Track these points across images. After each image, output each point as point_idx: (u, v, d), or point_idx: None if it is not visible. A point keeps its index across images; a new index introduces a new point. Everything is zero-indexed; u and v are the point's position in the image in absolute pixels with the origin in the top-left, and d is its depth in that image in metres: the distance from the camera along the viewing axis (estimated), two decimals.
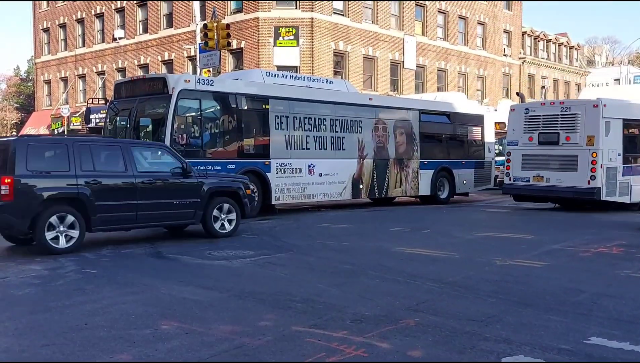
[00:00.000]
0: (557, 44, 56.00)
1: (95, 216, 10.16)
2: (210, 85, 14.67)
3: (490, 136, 22.64)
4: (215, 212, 11.70)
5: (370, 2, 35.34)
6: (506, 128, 20.34)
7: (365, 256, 9.63)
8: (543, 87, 52.38)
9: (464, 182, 21.07)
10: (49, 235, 9.66)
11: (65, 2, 44.00)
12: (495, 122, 25.96)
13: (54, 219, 9.70)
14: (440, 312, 6.07)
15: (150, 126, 14.70)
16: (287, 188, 15.90)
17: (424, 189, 19.67)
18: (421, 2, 38.34)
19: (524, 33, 50.21)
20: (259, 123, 15.78)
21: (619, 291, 6.97)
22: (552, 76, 54.14)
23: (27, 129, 46.15)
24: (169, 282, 7.73)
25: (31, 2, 47.75)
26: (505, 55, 46.70)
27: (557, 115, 16.69)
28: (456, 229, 13.08)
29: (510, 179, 17.78)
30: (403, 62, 37.34)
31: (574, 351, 4.90)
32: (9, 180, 9.36)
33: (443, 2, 40.04)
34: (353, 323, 5.70)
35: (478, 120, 22.10)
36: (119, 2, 39.60)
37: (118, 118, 15.32)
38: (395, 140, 18.96)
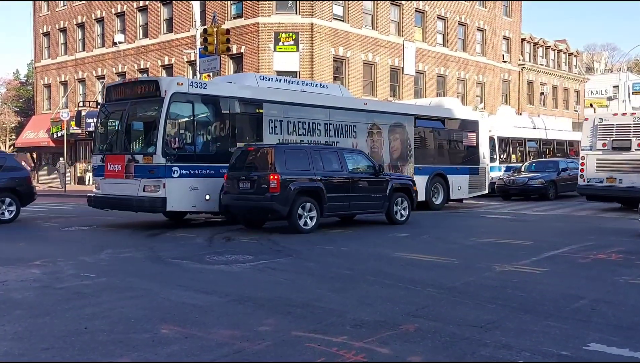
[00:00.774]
0: (556, 51, 56.15)
1: (326, 204, 13.61)
2: (204, 88, 14.43)
3: (485, 142, 22.64)
4: (395, 204, 15.07)
5: (370, 8, 35.43)
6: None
7: (365, 262, 9.64)
8: (542, 93, 52.51)
9: (459, 188, 20.92)
10: (299, 219, 13.11)
11: (66, 7, 44.06)
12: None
13: (303, 205, 13.21)
14: (439, 318, 6.06)
15: (143, 129, 14.76)
16: None
17: (419, 195, 18.98)
18: (421, 9, 38.43)
19: (523, 39, 50.35)
20: (253, 127, 15.62)
21: (618, 298, 6.98)
22: (551, 83, 54.26)
23: (27, 133, 46.21)
24: (168, 286, 7.73)
25: (31, 3, 47.78)
26: (504, 61, 46.81)
27: (630, 124, 18.53)
28: (455, 235, 13.09)
29: (584, 181, 19.33)
30: (402, 68, 37.41)
31: (574, 357, 4.90)
32: (276, 177, 12.73)
33: (443, 8, 40.14)
34: (353, 328, 5.69)
35: (473, 125, 22.05)
36: (119, 7, 39.67)
37: (109, 121, 15.28)
38: (389, 145, 18.88)
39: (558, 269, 8.90)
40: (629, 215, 16.80)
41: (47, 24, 45.90)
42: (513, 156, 28.74)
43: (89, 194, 15.22)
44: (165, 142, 13.19)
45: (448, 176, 20.41)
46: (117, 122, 14.62)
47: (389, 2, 36.42)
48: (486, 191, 22.64)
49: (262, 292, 7.36)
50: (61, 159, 37.16)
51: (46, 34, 46.37)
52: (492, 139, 26.01)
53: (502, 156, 27.45)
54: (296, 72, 31.05)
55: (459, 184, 20.87)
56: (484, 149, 22.34)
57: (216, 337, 5.44)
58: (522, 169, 25.90)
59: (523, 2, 50.35)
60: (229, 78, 18.21)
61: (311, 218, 13.32)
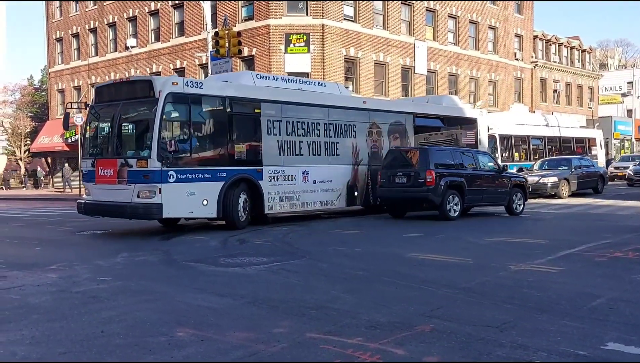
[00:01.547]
0: (568, 48, 55.78)
1: (466, 196, 16.28)
2: (200, 88, 13.70)
3: (484, 140, 22.23)
4: (514, 197, 17.41)
5: (380, 8, 35.39)
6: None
7: (378, 262, 9.62)
8: (555, 91, 52.16)
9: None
10: (448, 207, 15.79)
11: (78, 12, 44.40)
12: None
13: (450, 196, 15.88)
14: (455, 318, 6.03)
15: (136, 132, 14.10)
16: (281, 196, 15.22)
17: None
18: (432, 8, 38.32)
19: (535, 37, 50.07)
20: (251, 128, 15.01)
21: (636, 296, 6.92)
22: (564, 80, 53.89)
23: (41, 138, 46.64)
24: (183, 289, 7.75)
25: (44, 10, 48.19)
26: (516, 59, 46.58)
27: None
28: (469, 234, 13.03)
29: None
30: (414, 67, 37.34)
31: (591, 357, 4.86)
32: (432, 172, 15.49)
33: (454, 7, 39.98)
34: (368, 329, 5.68)
35: (472, 123, 21.66)
36: (131, 11, 39.91)
37: (99, 124, 14.57)
38: (390, 145, 18.40)
39: (574, 268, 8.83)
40: None
41: (60, 29, 46.28)
42: (516, 154, 28.26)
43: (78, 201, 14.46)
44: (161, 145, 12.49)
45: None
46: (108, 125, 13.88)
47: (400, 2, 36.35)
48: None
49: (277, 294, 7.37)
50: (66, 164, 37.48)
51: (59, 40, 46.80)
52: (493, 138, 25.74)
53: (503, 155, 26.87)
54: (307, 73, 31.09)
55: None
56: (484, 148, 21.92)
57: (231, 340, 5.45)
58: (535, 167, 25.59)
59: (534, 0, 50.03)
60: (225, 77, 17.35)
61: (455, 208, 15.90)
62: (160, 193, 12.51)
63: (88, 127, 14.73)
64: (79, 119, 35.39)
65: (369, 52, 34.53)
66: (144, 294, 7.51)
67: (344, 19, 33.23)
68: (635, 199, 22.93)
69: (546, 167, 24.93)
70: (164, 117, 12.76)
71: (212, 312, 6.51)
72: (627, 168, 34.31)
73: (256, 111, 14.96)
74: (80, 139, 16.28)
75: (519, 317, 6.05)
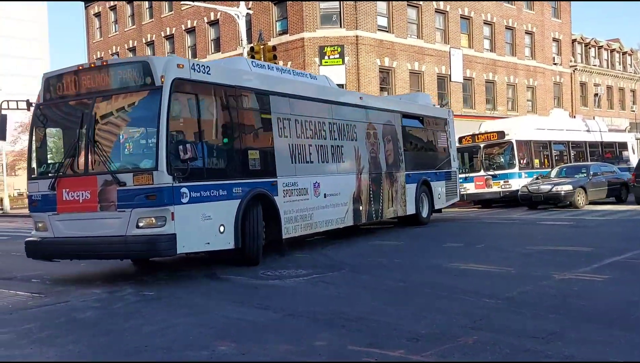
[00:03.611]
0: (609, 50, 54.73)
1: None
2: (207, 74, 10.03)
3: (454, 142, 20.61)
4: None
5: (415, 17, 35.33)
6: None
7: (418, 273, 9.54)
8: (596, 94, 51.18)
9: (439, 196, 18.49)
10: None
11: (117, 32, 45.48)
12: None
13: None
14: (498, 329, 5.94)
15: (126, 136, 10.13)
16: (295, 215, 11.91)
17: (410, 207, 16.71)
18: (466, 15, 38.10)
19: (574, 41, 49.27)
20: (262, 128, 11.53)
21: None
22: (605, 83, 52.85)
23: None
24: (224, 303, 7.81)
25: (84, 32, 49.47)
26: (555, 64, 45.89)
27: None
28: (509, 243, 12.83)
29: None
30: (450, 75, 37.09)
31: None
32: None
33: (489, 14, 39.67)
34: (409, 341, 5.63)
35: (445, 124, 19.56)
36: (168, 30, 40.68)
37: (55, 129, 10.68)
38: (384, 149, 15.79)
39: (621, 276, 8.61)
40: None
41: (100, 49, 47.37)
42: (536, 161, 26.38)
43: (27, 240, 9.97)
44: (171, 152, 8.83)
45: (431, 184, 17.94)
46: (74, 130, 9.65)
47: (434, 10, 36.22)
48: (458, 199, 20.81)
49: (316, 306, 7.36)
50: None
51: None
52: (509, 144, 24.71)
53: (522, 162, 24.94)
54: (343, 84, 31.13)
55: (439, 192, 18.52)
56: (454, 151, 20.24)
57: (273, 353, 5.46)
58: (552, 174, 24.06)
59: (572, 2, 49.29)
60: (218, 62, 14.06)
61: None
62: (173, 218, 8.82)
63: (35, 135, 10.27)
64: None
65: (403, 62, 34.45)
66: (185, 308, 7.60)
67: (378, 29, 33.24)
68: None
69: (563, 174, 23.51)
70: (171, 112, 9.02)
71: (252, 325, 6.54)
72: None
73: (266, 106, 11.60)
74: (27, 152, 10.92)
75: (564, 327, 5.93)
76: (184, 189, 9.06)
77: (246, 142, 10.85)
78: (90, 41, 48.65)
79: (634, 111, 56.02)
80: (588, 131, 30.12)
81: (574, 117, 40.30)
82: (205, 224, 9.53)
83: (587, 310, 6.63)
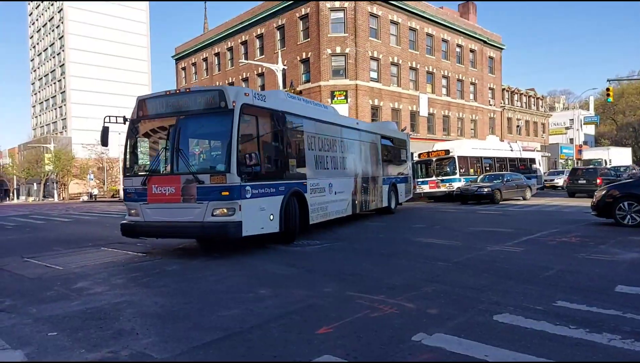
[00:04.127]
0: (527, 96, 54.09)
1: None
2: (264, 101, 9.55)
3: (409, 156, 19.93)
4: None
5: (395, 72, 35.14)
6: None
7: (394, 245, 9.50)
8: (518, 126, 50.70)
9: (401, 194, 18.26)
10: None
11: (196, 80, 45.67)
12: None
13: None
14: (449, 283, 5.92)
15: (204, 146, 9.73)
16: (317, 207, 11.51)
17: (385, 201, 16.49)
18: (430, 70, 37.81)
19: (503, 89, 48.75)
20: (297, 143, 11.00)
21: (577, 269, 6.63)
22: (524, 118, 52.26)
23: None
24: (266, 263, 7.84)
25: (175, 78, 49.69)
26: (490, 105, 45.41)
27: None
28: (457, 225, 12.75)
29: None
30: (418, 111, 36.87)
31: (546, 310, 4.69)
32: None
33: (446, 70, 39.35)
34: (388, 290, 5.63)
35: (405, 144, 19.15)
36: (230, 79, 40.75)
37: (147, 139, 9.60)
38: (371, 159, 15.40)
39: (533, 248, 8.53)
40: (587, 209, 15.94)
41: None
42: (471, 170, 25.84)
43: (123, 222, 9.14)
44: (239, 159, 8.31)
45: (397, 185, 17.76)
46: (163, 140, 9.22)
47: (409, 67, 36.01)
48: (411, 196, 20.15)
49: (325, 265, 7.37)
50: None
51: None
52: (452, 158, 24.50)
53: (461, 170, 24.79)
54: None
55: (402, 191, 18.28)
56: (409, 163, 19.84)
57: (296, 295, 5.47)
58: (478, 180, 23.81)
59: (503, 63, 48.64)
60: (263, 93, 11.80)
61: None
62: (240, 209, 8.25)
63: (129, 143, 9.48)
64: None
65: (387, 102, 34.28)
66: (239, 264, 7.63)
67: (371, 80, 33.11)
68: (552, 197, 22.02)
69: (486, 180, 23.18)
70: (240, 130, 8.42)
71: (282, 277, 6.55)
72: (553, 180, 33.91)
73: (301, 126, 11.21)
74: (122, 156, 11.16)
75: (493, 282, 5.89)
76: (247, 188, 8.43)
77: (288, 152, 10.32)
78: (179, 85, 48.91)
79: (543, 137, 55.33)
80: (511, 150, 29.92)
81: (502, 141, 39.86)
82: (260, 214, 8.86)
83: (510, 271, 6.58)
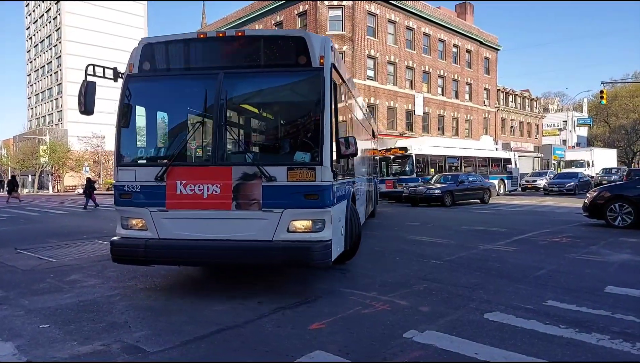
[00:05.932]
0: (522, 97, 54.28)
1: None
2: (339, 65, 6.17)
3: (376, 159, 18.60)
4: None
5: (392, 71, 35.16)
6: None
7: (388, 242, 9.50)
8: (512, 127, 50.86)
9: (377, 195, 16.78)
10: None
11: None
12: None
13: None
14: (440, 281, 5.93)
15: (269, 124, 6.07)
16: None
17: (374, 204, 14.97)
18: (426, 70, 37.84)
19: (498, 90, 48.89)
20: (351, 128, 7.45)
21: (568, 269, 6.67)
22: (518, 119, 52.45)
23: None
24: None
25: None
26: (485, 105, 45.55)
27: None
28: (450, 224, 12.78)
29: None
30: (414, 110, 36.92)
31: (536, 310, 4.71)
32: None
33: (442, 70, 39.40)
34: (380, 287, 5.63)
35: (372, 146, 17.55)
36: None
37: (157, 105, 5.74)
38: (367, 163, 13.15)
39: (524, 248, 8.56)
40: (577, 210, 16.02)
41: None
42: (432, 170, 23.84)
43: (113, 241, 5.27)
44: (331, 146, 5.16)
45: (378, 184, 16.89)
46: (192, 109, 5.66)
47: (405, 66, 36.03)
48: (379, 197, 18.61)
49: None
50: None
51: None
52: (410, 157, 22.83)
53: (419, 170, 22.93)
54: None
55: (377, 191, 16.77)
56: (377, 164, 18.26)
57: (289, 292, 5.44)
58: (433, 181, 21.65)
59: (498, 64, 48.82)
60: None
61: None
62: (331, 222, 5.16)
63: (127, 114, 5.46)
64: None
65: (383, 101, 34.30)
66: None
67: (367, 78, 33.12)
68: (531, 196, 22.17)
69: (442, 181, 20.99)
70: (331, 101, 5.15)
71: (276, 273, 6.49)
72: (535, 181, 32.09)
73: (352, 108, 7.95)
74: (116, 131, 5.36)
75: (485, 281, 5.91)
76: (335, 188, 5.37)
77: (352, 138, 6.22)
78: None
79: (537, 138, 55.59)
80: (482, 149, 28.04)
81: (496, 142, 39.98)
82: (338, 228, 5.60)
83: (501, 270, 6.60)
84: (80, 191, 50.05)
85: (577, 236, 10.06)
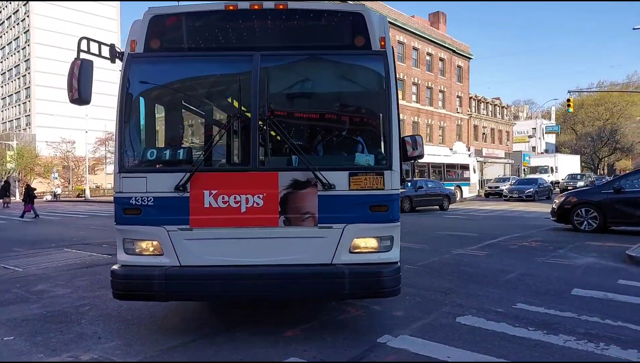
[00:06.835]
0: (493, 105, 55.65)
1: None
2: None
3: None
4: None
5: None
6: None
7: None
8: (484, 133, 52.07)
9: None
10: None
11: None
12: None
13: None
14: (414, 285, 5.99)
15: (321, 118, 4.59)
16: None
17: None
18: (400, 78, 38.41)
19: (470, 98, 50.01)
20: None
21: (536, 272, 6.85)
22: (489, 126, 53.74)
23: None
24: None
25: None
26: (458, 112, 46.52)
27: None
28: (424, 229, 12.94)
29: None
30: None
31: (506, 312, 4.82)
32: None
33: (416, 78, 40.04)
34: None
35: None
36: None
37: (170, 92, 4.48)
38: None
39: (495, 252, 8.75)
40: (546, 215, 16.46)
41: None
42: None
43: (115, 270, 3.89)
44: (397, 146, 4.06)
45: None
46: (218, 97, 4.65)
47: None
48: None
49: None
50: None
51: None
52: None
53: None
54: None
55: None
56: None
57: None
58: None
59: (470, 73, 49.94)
60: None
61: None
62: (399, 238, 4.11)
63: (132, 103, 4.05)
64: None
65: None
66: None
67: None
68: (492, 201, 22.77)
69: None
70: (397, 92, 4.20)
71: None
72: (498, 187, 32.24)
73: None
74: (117, 127, 3.88)
75: (457, 285, 6.01)
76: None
77: None
78: None
79: (507, 145, 57.06)
80: (439, 155, 27.49)
81: (469, 148, 40.81)
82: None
83: (473, 274, 6.72)
84: (49, 197, 48.60)
85: (545, 240, 10.33)
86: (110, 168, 64.41)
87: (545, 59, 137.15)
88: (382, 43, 4.06)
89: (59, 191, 49.95)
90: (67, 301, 5.42)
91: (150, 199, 3.91)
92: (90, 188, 51.16)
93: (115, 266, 3.95)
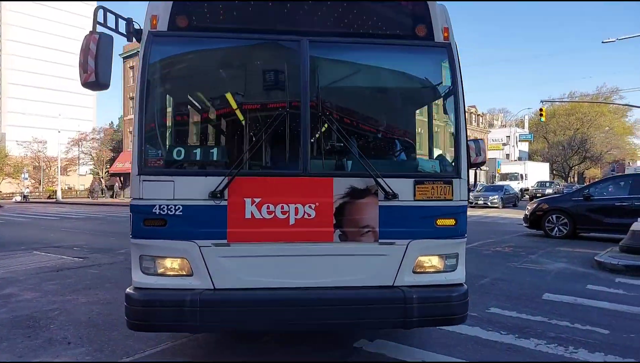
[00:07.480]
0: (468, 113, 56.86)
1: None
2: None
3: None
4: None
5: None
6: None
7: None
8: None
9: None
10: None
11: None
12: None
13: None
14: None
15: (379, 115, 4.00)
16: None
17: None
18: None
19: None
20: None
21: (509, 277, 6.98)
22: None
23: (117, 164, 46.05)
24: None
25: (122, 79, 47.92)
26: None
27: None
28: None
29: None
30: None
31: (480, 317, 4.89)
32: None
33: None
34: None
35: None
36: None
37: (200, 81, 3.75)
38: None
39: (469, 257, 8.75)
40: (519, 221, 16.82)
41: (132, 91, 45.96)
42: None
43: (130, 294, 3.16)
44: (466, 152, 3.53)
45: None
46: (258, 89, 3.53)
47: None
48: None
49: None
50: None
51: (132, 98, 46.48)
52: None
53: None
54: None
55: None
56: None
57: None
58: None
59: None
60: None
61: None
62: (464, 256, 3.70)
63: (153, 90, 3.26)
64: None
65: None
66: None
67: None
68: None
69: None
70: (463, 89, 3.52)
71: None
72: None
73: None
74: (136, 121, 3.13)
75: None
76: None
77: None
78: (126, 84, 47.16)
79: None
80: None
81: None
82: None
83: None
84: (18, 198, 47.14)
85: (518, 245, 10.56)
86: (83, 169, 63.06)
87: (521, 68, 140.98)
88: (446, 35, 3.50)
89: (27, 191, 48.52)
90: (35, 305, 5.26)
91: (179, 207, 3.14)
92: (62, 189, 49.85)
93: (129, 290, 3.18)
